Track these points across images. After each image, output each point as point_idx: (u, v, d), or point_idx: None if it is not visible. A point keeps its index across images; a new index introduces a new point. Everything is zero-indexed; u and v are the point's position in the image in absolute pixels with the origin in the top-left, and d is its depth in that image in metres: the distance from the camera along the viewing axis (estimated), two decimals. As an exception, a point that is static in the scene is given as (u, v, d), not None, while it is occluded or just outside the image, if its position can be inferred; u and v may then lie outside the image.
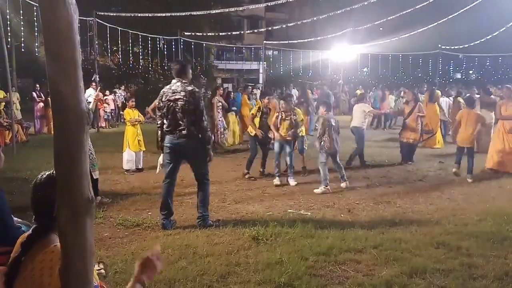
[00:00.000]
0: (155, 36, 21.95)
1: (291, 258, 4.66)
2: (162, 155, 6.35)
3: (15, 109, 16.50)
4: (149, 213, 6.49)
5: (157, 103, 5.99)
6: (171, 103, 5.71)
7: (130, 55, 21.24)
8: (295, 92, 18.63)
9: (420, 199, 7.33)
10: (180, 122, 5.69)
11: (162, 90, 5.96)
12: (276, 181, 8.42)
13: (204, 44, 25.59)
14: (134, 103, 10.09)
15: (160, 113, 5.92)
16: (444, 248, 5.03)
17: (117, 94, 20.99)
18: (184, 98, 5.66)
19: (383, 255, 4.78)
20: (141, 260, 2.15)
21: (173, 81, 5.85)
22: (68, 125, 1.29)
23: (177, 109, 5.68)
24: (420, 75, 32.84)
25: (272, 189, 8.06)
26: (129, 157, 9.50)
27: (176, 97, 5.69)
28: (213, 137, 6.02)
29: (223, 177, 8.69)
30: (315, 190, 7.81)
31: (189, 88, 5.74)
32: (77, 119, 1.30)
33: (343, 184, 8.09)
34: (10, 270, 2.05)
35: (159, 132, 6.00)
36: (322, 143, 7.98)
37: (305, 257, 4.71)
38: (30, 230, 2.12)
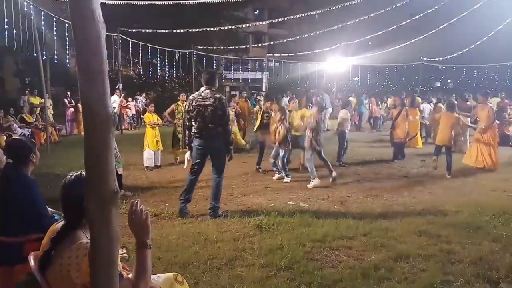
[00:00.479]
0: (172, 49, 21.97)
1: (290, 244, 4.65)
2: (188, 152, 6.39)
3: (49, 113, 16.62)
4: (166, 204, 6.50)
5: (187, 107, 6.01)
6: (201, 108, 5.72)
7: (150, 66, 21.24)
8: (285, 100, 18.49)
9: (404, 193, 7.30)
10: (209, 125, 5.72)
11: (192, 95, 5.99)
12: (276, 177, 8.47)
13: (214, 57, 25.57)
14: (153, 108, 10.12)
15: (189, 116, 5.93)
16: (426, 236, 5.00)
17: (138, 100, 21.05)
18: (213, 104, 5.68)
19: (371, 242, 4.77)
20: (128, 222, 2.04)
21: (202, 88, 5.86)
22: (96, 127, 1.30)
23: (206, 114, 5.70)
24: (404, 83, 32.69)
25: (274, 184, 8.05)
26: (148, 156, 9.53)
27: (206, 102, 5.71)
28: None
29: (231, 173, 8.65)
30: (308, 185, 7.80)
31: (218, 95, 5.78)
32: (104, 122, 1.32)
33: (334, 174, 7.98)
34: (42, 261, 2.06)
35: (187, 132, 6.04)
36: (314, 141, 7.86)
37: (303, 243, 4.71)
38: (59, 227, 2.11)
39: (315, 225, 5.38)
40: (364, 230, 5.15)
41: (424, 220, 5.60)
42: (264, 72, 31.37)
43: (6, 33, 10.31)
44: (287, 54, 28.18)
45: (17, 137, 4.58)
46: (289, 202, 6.64)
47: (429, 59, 24.27)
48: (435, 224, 5.43)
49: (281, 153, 8.36)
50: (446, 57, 23.20)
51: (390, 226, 5.34)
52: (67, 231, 2.02)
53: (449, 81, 41.25)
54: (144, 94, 22.00)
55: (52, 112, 16.68)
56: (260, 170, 9.18)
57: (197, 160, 5.94)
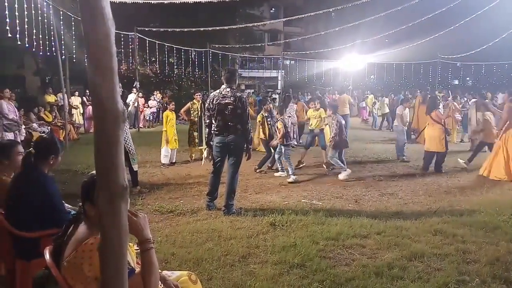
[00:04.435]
0: (188, 48, 22.08)
1: (304, 242, 4.63)
2: (206, 149, 6.44)
3: (79, 113, 16.91)
4: (181, 201, 6.54)
5: (207, 104, 6.04)
6: (221, 106, 5.76)
7: (166, 65, 21.38)
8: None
9: (420, 192, 7.21)
10: (229, 123, 5.75)
11: (212, 93, 6.03)
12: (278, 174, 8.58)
13: (229, 55, 25.62)
14: (174, 106, 10.17)
15: (208, 114, 5.96)
16: (441, 235, 4.92)
17: (155, 99, 21.21)
18: (234, 103, 5.72)
19: (385, 240, 4.72)
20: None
21: (223, 86, 5.89)
22: (106, 123, 1.32)
23: (226, 112, 5.74)
24: (421, 81, 32.20)
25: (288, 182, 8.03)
26: (165, 153, 9.61)
27: (226, 101, 5.75)
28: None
29: (246, 171, 8.67)
30: (340, 176, 8.15)
31: (238, 94, 5.82)
32: (114, 118, 1.33)
33: (347, 172, 8.25)
34: (55, 253, 2.10)
35: (207, 129, 6.10)
36: (333, 141, 8.18)
37: (316, 241, 4.69)
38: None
39: (329, 223, 5.35)
40: (378, 229, 5.10)
41: (439, 219, 5.52)
42: (280, 70, 31.21)
43: (26, 32, 10.49)
44: (302, 52, 28.08)
45: (46, 135, 4.67)
46: (303, 200, 6.62)
47: (446, 56, 23.83)
48: (450, 223, 5.34)
49: (283, 150, 8.38)
50: (464, 54, 22.73)
51: (404, 225, 5.27)
52: (80, 220, 2.07)
53: (467, 78, 40.48)
54: (157, 92, 22.07)
55: (82, 112, 16.97)
56: (258, 171, 8.97)
57: (218, 158, 5.98)
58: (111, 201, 1.33)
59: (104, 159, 1.33)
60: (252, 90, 34.20)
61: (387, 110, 18.67)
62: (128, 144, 6.74)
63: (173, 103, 10.50)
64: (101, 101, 1.31)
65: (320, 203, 6.44)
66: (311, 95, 20.57)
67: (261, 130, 9.53)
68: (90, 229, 2.02)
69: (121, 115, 1.36)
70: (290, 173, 8.08)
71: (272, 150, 8.78)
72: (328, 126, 8.80)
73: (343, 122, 8.42)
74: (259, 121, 9.69)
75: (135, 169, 6.98)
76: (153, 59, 23.28)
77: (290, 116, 11.96)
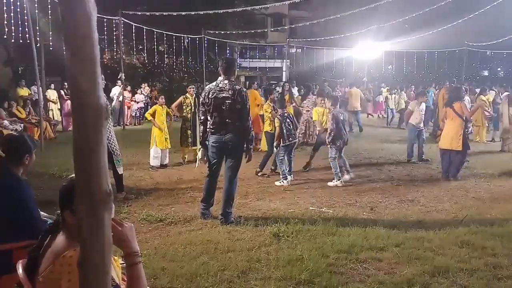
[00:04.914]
0: (180, 35, 22.10)
1: (311, 255, 4.64)
2: (201, 150, 6.43)
3: (57, 108, 16.90)
4: (172, 208, 6.55)
5: (202, 99, 6.04)
6: (218, 101, 5.76)
7: (155, 54, 21.44)
8: (296, 89, 18.47)
9: (444, 198, 7.21)
10: (227, 120, 5.75)
11: (208, 86, 6.05)
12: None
13: (227, 43, 25.66)
14: (163, 100, 10.18)
15: (203, 109, 5.97)
16: (468, 247, 4.93)
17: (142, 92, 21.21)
18: (232, 97, 5.71)
19: (405, 253, 4.72)
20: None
21: (220, 78, 5.89)
22: (86, 120, 1.31)
23: (223, 107, 5.74)
24: (445, 72, 32.19)
25: (294, 187, 8.04)
26: (155, 154, 9.62)
27: (224, 95, 5.74)
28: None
29: (245, 174, 8.67)
30: (329, 183, 8.03)
31: (237, 87, 5.83)
32: (95, 114, 1.32)
33: (347, 177, 8.28)
34: (29, 268, 2.10)
35: (202, 127, 6.09)
36: (331, 138, 8.16)
37: (326, 254, 4.69)
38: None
39: (341, 233, 5.36)
40: (397, 240, 5.10)
41: (466, 229, 5.51)
42: (285, 60, 31.29)
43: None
44: (310, 39, 28.08)
45: (16, 133, 4.67)
46: (310, 208, 6.62)
47: (475, 44, 23.80)
48: (479, 234, 5.34)
49: (280, 150, 8.44)
50: (495, 42, 22.72)
51: (427, 236, 5.28)
52: (57, 229, 2.07)
53: (498, 69, 40.44)
54: (145, 85, 22.01)
55: (59, 107, 16.95)
56: (259, 174, 8.98)
57: (214, 160, 5.98)
58: (93, 209, 1.32)
59: (84, 161, 1.33)
60: (255, 82, 34.21)
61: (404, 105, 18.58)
62: (111, 144, 6.75)
63: (163, 97, 10.50)
64: (80, 95, 1.30)
65: (331, 211, 6.45)
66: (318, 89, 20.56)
67: (268, 122, 9.47)
68: (69, 241, 2.03)
69: (104, 111, 1.36)
70: (281, 176, 8.20)
71: (275, 150, 8.79)
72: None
73: (341, 117, 8.39)
74: (266, 110, 9.63)
75: (120, 172, 7.00)
76: (141, 47, 23.30)
77: (308, 111, 11.95)
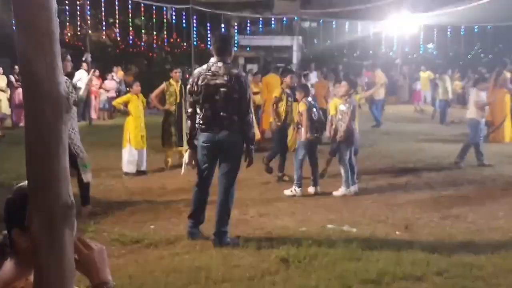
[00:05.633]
0: (162, 4, 22.14)
1: (330, 286, 4.66)
2: (187, 152, 6.44)
3: (6, 99, 16.76)
4: (152, 226, 6.57)
5: (189, 86, 6.03)
6: (211, 89, 5.75)
7: (131, 29, 21.48)
8: (314, 74, 18.52)
9: (499, 213, 7.21)
10: (221, 114, 5.75)
11: (197, 70, 6.06)
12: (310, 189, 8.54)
13: (222, 15, 25.68)
14: (139, 88, 10.12)
15: (191, 99, 5.97)
16: (530, 276, 4.94)
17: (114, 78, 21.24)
18: (228, 84, 5.70)
19: (448, 284, 4.74)
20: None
21: (212, 60, 5.89)
22: (43, 113, 1.32)
23: (217, 97, 5.74)
24: (502, 52, 32.13)
25: (307, 199, 8.08)
26: (130, 157, 9.61)
27: (218, 81, 5.73)
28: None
29: (245, 182, 8.65)
30: (335, 192, 8.21)
31: (235, 71, 5.84)
32: (53, 106, 1.33)
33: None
34: None
35: (189, 122, 6.09)
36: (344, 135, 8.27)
37: (348, 285, 4.71)
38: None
39: (367, 259, 5.36)
40: (439, 267, 5.11)
41: (528, 253, 5.52)
42: (295, 37, 31.22)
43: None
44: (328, 10, 28.05)
45: None
46: (328, 226, 6.64)
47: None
48: (544, 259, 5.35)
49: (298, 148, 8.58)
50: None
51: (476, 262, 5.27)
52: (3, 261, 2.08)
53: None
54: (117, 69, 21.98)
55: (8, 97, 16.89)
56: (285, 178, 9.18)
57: (204, 165, 5.98)
58: (50, 225, 1.33)
59: (39, 166, 1.34)
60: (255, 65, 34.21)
61: (450, 95, 18.41)
62: (75, 145, 6.76)
63: (138, 83, 10.43)
64: (35, 81, 1.31)
65: (354, 230, 6.46)
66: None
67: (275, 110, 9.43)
68: (19, 267, 2.03)
69: (65, 102, 1.37)
70: (295, 183, 8.30)
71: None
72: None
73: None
74: (276, 96, 9.54)
75: (86, 180, 7.01)
76: (112, 20, 23.36)
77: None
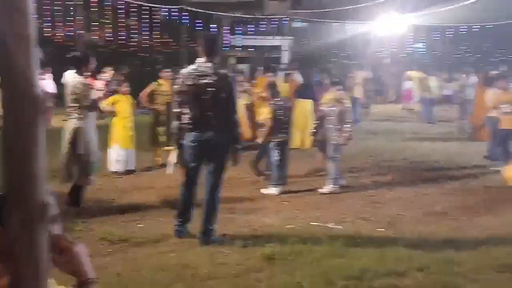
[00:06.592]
0: (152, 4, 22.09)
1: (314, 282, 4.69)
2: (175, 152, 6.45)
3: None
4: (140, 225, 6.58)
5: (177, 86, 6.05)
6: (198, 89, 5.77)
7: (121, 29, 21.38)
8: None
9: (481, 209, 7.30)
10: (209, 113, 5.77)
11: (185, 70, 6.05)
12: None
13: (213, 15, 25.64)
14: (127, 88, 10.08)
15: (179, 99, 5.97)
16: (510, 272, 4.99)
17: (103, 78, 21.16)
18: (216, 84, 5.73)
19: (430, 280, 4.79)
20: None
21: (200, 60, 5.90)
22: (21, 113, 1.34)
23: (205, 97, 5.75)
24: (492, 52, 32.07)
25: (293, 197, 8.12)
26: (117, 156, 9.60)
27: (206, 81, 5.74)
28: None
29: (232, 181, 8.66)
30: (321, 190, 8.27)
31: (222, 71, 5.87)
32: (30, 106, 1.36)
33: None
34: None
35: (176, 122, 6.07)
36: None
37: (332, 281, 4.74)
38: None
39: (351, 255, 5.41)
40: (421, 263, 5.16)
41: (508, 249, 5.58)
42: (285, 37, 31.19)
43: None
44: (318, 10, 28.03)
45: None
46: (313, 223, 6.68)
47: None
48: (524, 255, 5.41)
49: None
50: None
51: (458, 258, 5.33)
52: None
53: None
54: (108, 70, 21.90)
55: None
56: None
57: (192, 164, 5.99)
58: (26, 225, 1.36)
59: (16, 166, 1.36)
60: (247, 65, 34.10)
61: (435, 93, 18.43)
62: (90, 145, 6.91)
63: (127, 83, 10.38)
64: (11, 83, 1.33)
65: (339, 227, 6.51)
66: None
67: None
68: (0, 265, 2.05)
69: (41, 103, 1.39)
70: (272, 182, 8.37)
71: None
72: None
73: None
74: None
75: (89, 184, 7.15)
76: (102, 20, 23.27)
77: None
